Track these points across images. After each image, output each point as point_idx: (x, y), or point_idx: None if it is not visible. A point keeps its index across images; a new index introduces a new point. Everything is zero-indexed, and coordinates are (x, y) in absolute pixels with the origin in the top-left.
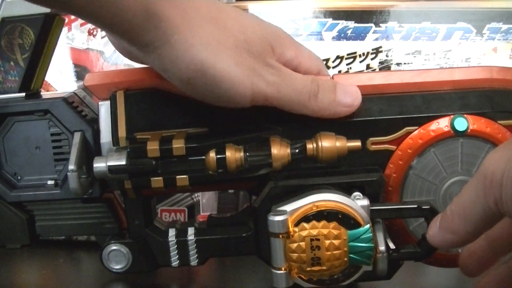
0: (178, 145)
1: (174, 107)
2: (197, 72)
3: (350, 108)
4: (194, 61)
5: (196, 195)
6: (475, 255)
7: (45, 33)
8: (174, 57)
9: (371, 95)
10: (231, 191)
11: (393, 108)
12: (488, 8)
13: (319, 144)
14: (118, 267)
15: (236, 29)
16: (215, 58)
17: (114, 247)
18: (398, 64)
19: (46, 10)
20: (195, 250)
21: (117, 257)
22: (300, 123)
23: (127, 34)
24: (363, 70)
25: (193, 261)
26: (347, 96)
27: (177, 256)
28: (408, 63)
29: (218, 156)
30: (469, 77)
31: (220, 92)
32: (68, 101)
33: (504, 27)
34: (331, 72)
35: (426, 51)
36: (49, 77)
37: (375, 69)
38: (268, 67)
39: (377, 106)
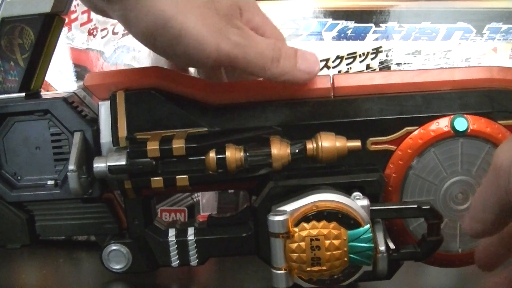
0: (178, 145)
1: (174, 107)
2: (160, 26)
3: (309, 75)
4: (158, 14)
5: (196, 195)
6: (488, 251)
7: (45, 33)
8: (139, 9)
9: (371, 95)
10: (231, 191)
11: (393, 108)
12: (488, 8)
13: (319, 144)
14: (118, 267)
15: None
16: (181, 13)
17: (114, 247)
18: (398, 64)
19: (46, 10)
20: (195, 250)
21: (117, 257)
22: (300, 123)
23: None
24: (363, 70)
25: (193, 261)
26: (307, 63)
27: (177, 256)
28: (408, 63)
29: (218, 156)
30: (469, 77)
31: (183, 49)
32: (68, 101)
33: (504, 27)
34: (331, 72)
35: (426, 51)
36: (49, 77)
37: (375, 69)
38: (234, 28)
39: (377, 106)
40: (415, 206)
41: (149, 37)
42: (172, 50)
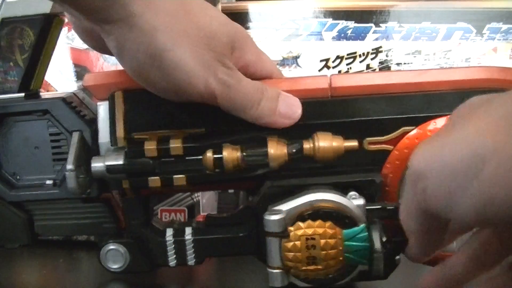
0: (176, 145)
1: (172, 108)
2: (154, 56)
3: (289, 121)
4: (154, 44)
5: (196, 195)
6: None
7: (44, 34)
8: (135, 38)
9: (368, 95)
10: (231, 191)
11: (390, 108)
12: (488, 8)
13: (316, 144)
14: (115, 266)
15: (203, 22)
16: (178, 47)
17: (112, 247)
18: (398, 64)
19: (46, 11)
20: (193, 250)
21: (115, 256)
22: (298, 123)
23: (91, 9)
24: (363, 70)
25: (191, 261)
26: (288, 108)
27: (175, 256)
28: (408, 63)
29: (216, 156)
30: (468, 77)
31: (174, 82)
32: (67, 101)
33: (504, 27)
34: (331, 72)
35: (426, 51)
36: (49, 77)
37: (375, 69)
38: (224, 67)
39: (374, 106)
40: (394, 207)
41: (140, 66)
42: (163, 82)
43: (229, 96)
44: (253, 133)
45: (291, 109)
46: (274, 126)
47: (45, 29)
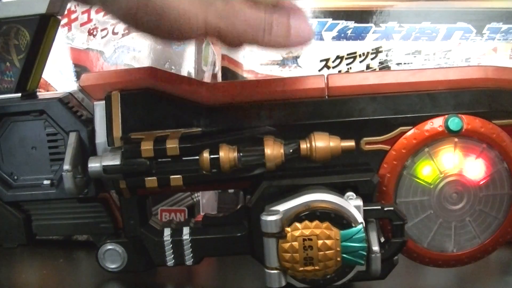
0: (172, 145)
1: (168, 108)
2: (142, 3)
3: (303, 41)
4: None
5: (196, 195)
6: None
7: (40, 34)
8: None
9: (365, 95)
10: (231, 190)
11: (387, 108)
12: (488, 8)
13: (313, 144)
14: (113, 266)
15: None
16: None
17: (109, 247)
18: (398, 64)
19: (41, 11)
20: (190, 250)
21: (112, 256)
22: (294, 123)
23: None
24: (363, 70)
25: (188, 261)
26: (300, 29)
27: (172, 256)
28: (408, 63)
29: (212, 156)
30: (464, 76)
31: (170, 23)
32: (64, 101)
33: (504, 27)
34: (331, 72)
35: (426, 51)
36: (49, 77)
37: (375, 69)
38: (219, 0)
39: (371, 106)
40: (391, 207)
41: (132, 13)
42: (156, 27)
43: (234, 28)
44: (250, 133)
45: (305, 27)
46: (292, 46)
47: (41, 29)
